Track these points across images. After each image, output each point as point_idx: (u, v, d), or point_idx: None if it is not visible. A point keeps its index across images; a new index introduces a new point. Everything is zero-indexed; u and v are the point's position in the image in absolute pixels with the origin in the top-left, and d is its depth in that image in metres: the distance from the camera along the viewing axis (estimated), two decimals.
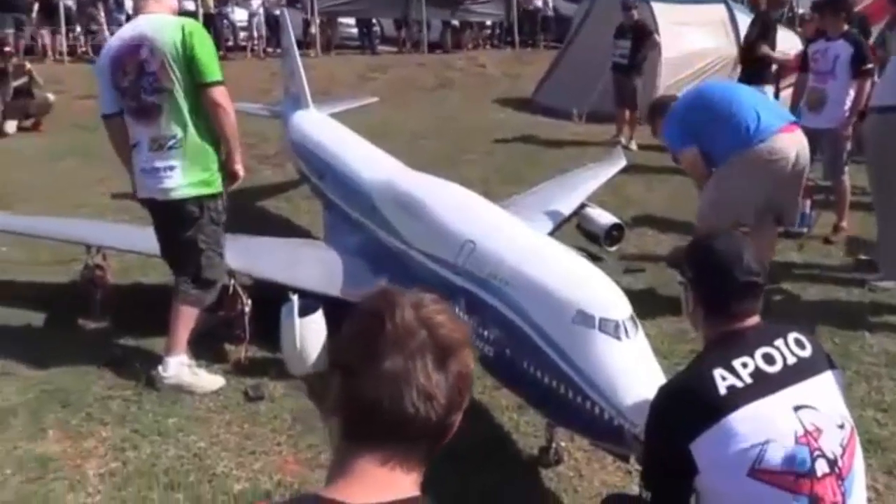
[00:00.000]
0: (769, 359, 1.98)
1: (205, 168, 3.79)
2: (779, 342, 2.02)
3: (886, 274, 5.14)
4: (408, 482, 1.19)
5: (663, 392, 2.10)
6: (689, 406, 1.96)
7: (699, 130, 4.53)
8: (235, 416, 3.61)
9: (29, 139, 9.95)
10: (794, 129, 4.55)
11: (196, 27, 3.81)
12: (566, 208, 5.46)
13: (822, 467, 1.87)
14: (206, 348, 4.07)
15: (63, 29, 15.71)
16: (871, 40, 7.58)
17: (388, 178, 4.63)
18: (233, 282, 4.13)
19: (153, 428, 3.49)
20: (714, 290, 2.11)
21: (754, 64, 7.61)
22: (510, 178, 7.73)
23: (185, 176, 3.74)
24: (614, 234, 5.44)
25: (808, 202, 6.04)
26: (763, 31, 7.65)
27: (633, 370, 2.69)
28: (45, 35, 15.74)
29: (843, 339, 4.40)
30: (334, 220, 5.19)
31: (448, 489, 2.78)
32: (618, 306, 2.85)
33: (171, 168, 3.72)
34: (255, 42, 17.42)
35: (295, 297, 3.93)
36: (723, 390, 1.92)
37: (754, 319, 2.10)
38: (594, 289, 2.96)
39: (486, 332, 3.13)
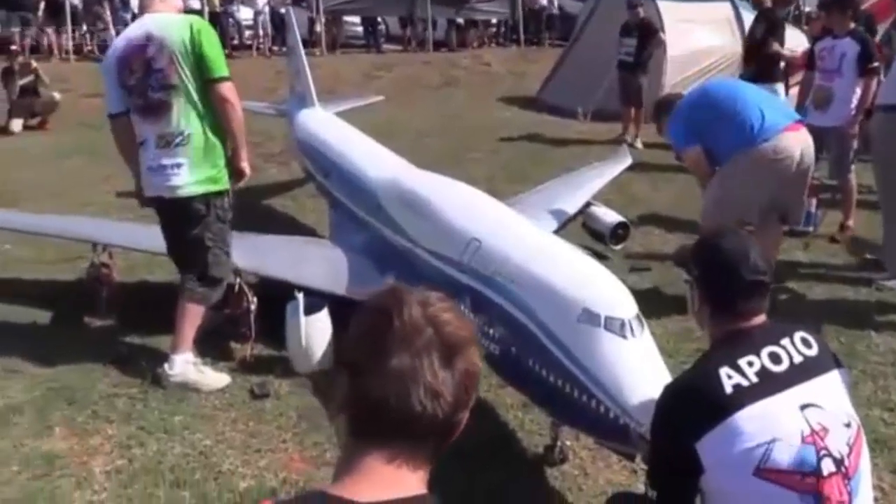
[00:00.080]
0: (775, 358, 1.97)
1: (212, 165, 3.80)
2: (785, 341, 2.02)
3: (892, 273, 5.12)
4: (414, 480, 1.19)
5: (669, 391, 2.10)
6: (694, 405, 1.95)
7: (703, 129, 4.52)
8: (241, 413, 3.62)
9: (35, 138, 9.98)
10: (798, 127, 4.53)
11: (204, 24, 3.85)
12: (571, 207, 5.45)
13: (828, 466, 1.87)
14: (211, 346, 4.07)
15: (69, 28, 15.75)
16: (877, 38, 7.56)
17: (393, 176, 4.64)
18: (238, 280, 4.14)
19: (159, 425, 3.50)
20: (720, 288, 2.11)
21: (764, 62, 7.57)
22: (515, 177, 7.73)
23: (192, 173, 3.75)
24: (620, 232, 5.44)
25: (814, 201, 6.03)
26: (771, 28, 7.62)
27: (638, 369, 2.69)
28: (51, 34, 15.78)
29: (849, 339, 4.39)
30: (340, 218, 5.20)
31: (454, 487, 2.78)
32: (623, 305, 2.85)
33: (179, 165, 3.73)
34: (261, 41, 17.46)
35: (300, 296, 3.93)
36: (729, 389, 1.91)
37: (760, 318, 2.09)
38: (600, 287, 2.95)
39: (491, 331, 3.13)
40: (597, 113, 10.88)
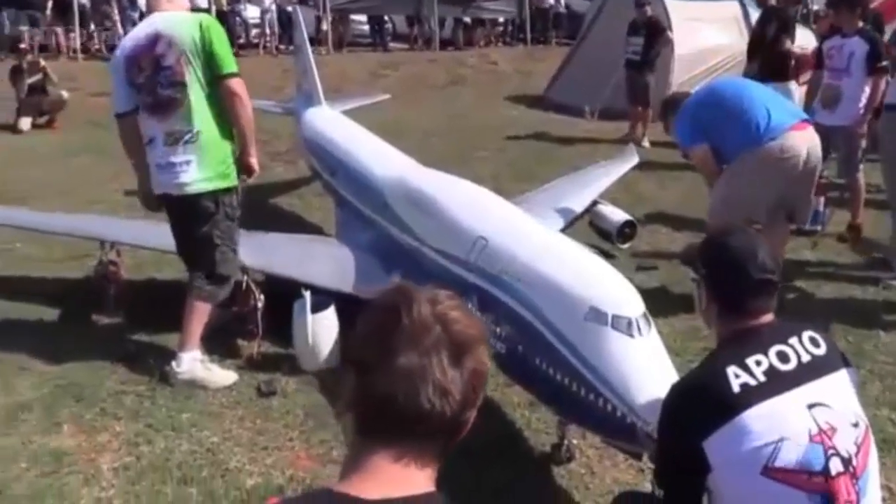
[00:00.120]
0: (783, 357, 1.97)
1: (220, 162, 3.81)
2: (793, 340, 2.01)
3: None
4: (422, 478, 1.19)
5: (676, 390, 2.09)
6: (702, 404, 1.95)
7: (710, 127, 4.51)
8: (248, 411, 3.63)
9: (43, 136, 10.02)
10: (805, 126, 4.52)
11: (213, 21, 3.88)
12: (578, 205, 5.45)
13: (836, 466, 1.86)
14: (219, 344, 4.09)
15: (77, 27, 15.80)
16: (885, 38, 7.50)
17: (400, 174, 4.64)
18: (246, 278, 4.15)
19: (166, 423, 3.51)
20: (728, 287, 2.10)
21: (777, 60, 7.52)
22: (522, 176, 7.72)
23: (201, 170, 3.76)
24: (627, 231, 5.43)
25: (822, 200, 6.00)
26: (783, 26, 7.58)
27: (645, 368, 2.69)
28: (60, 33, 15.84)
29: (857, 338, 4.38)
30: (346, 216, 5.21)
31: (461, 485, 2.78)
32: (630, 303, 2.84)
33: (188, 162, 3.74)
34: (268, 39, 17.49)
35: (307, 294, 3.95)
36: (736, 388, 1.91)
37: (768, 317, 2.09)
38: (607, 286, 2.95)
39: (498, 329, 3.13)
40: (604, 112, 10.86)
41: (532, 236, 3.49)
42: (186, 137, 3.73)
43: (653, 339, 2.82)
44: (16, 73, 10.32)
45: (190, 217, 3.85)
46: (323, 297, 4.02)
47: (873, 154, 6.01)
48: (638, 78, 9.71)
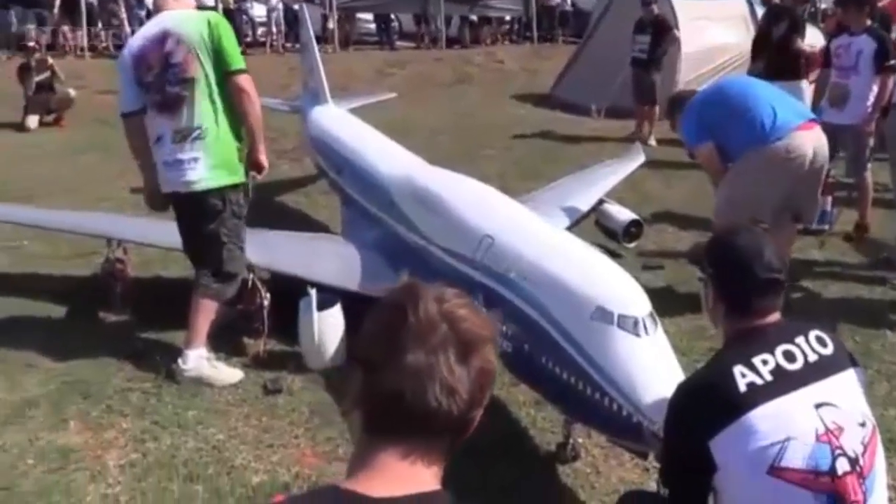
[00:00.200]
0: (790, 356, 1.96)
1: (228, 159, 3.82)
2: (800, 339, 2.00)
3: None
4: (428, 476, 1.19)
5: (682, 389, 2.09)
6: (708, 403, 1.94)
7: (715, 126, 4.49)
8: (254, 408, 3.64)
9: (50, 134, 10.05)
10: (811, 126, 4.49)
11: (220, 19, 3.91)
12: (584, 204, 5.44)
13: (842, 466, 1.85)
14: (225, 341, 4.09)
15: (84, 25, 15.85)
16: (894, 37, 7.46)
17: (406, 173, 4.64)
18: (252, 275, 4.16)
19: (173, 420, 3.52)
20: (735, 286, 2.09)
21: (789, 59, 7.47)
22: (528, 174, 7.71)
23: (209, 167, 3.77)
24: (633, 230, 5.42)
25: (830, 199, 5.98)
26: (793, 25, 7.54)
27: (651, 367, 2.68)
28: (67, 31, 15.89)
29: (864, 338, 4.36)
30: (352, 214, 5.21)
31: (466, 484, 2.78)
32: (637, 303, 2.84)
33: (195, 160, 3.75)
34: (274, 37, 17.52)
35: (313, 292, 3.95)
36: (743, 387, 1.90)
37: (775, 316, 2.08)
38: (613, 285, 2.95)
39: (504, 328, 3.12)
40: (610, 110, 10.84)
41: (538, 235, 3.49)
42: (195, 134, 3.74)
43: (659, 338, 2.81)
44: (24, 71, 10.36)
45: (197, 215, 3.86)
46: (329, 295, 4.02)
47: (881, 153, 5.98)
48: (644, 76, 9.68)
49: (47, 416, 3.55)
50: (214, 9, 14.44)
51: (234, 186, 3.87)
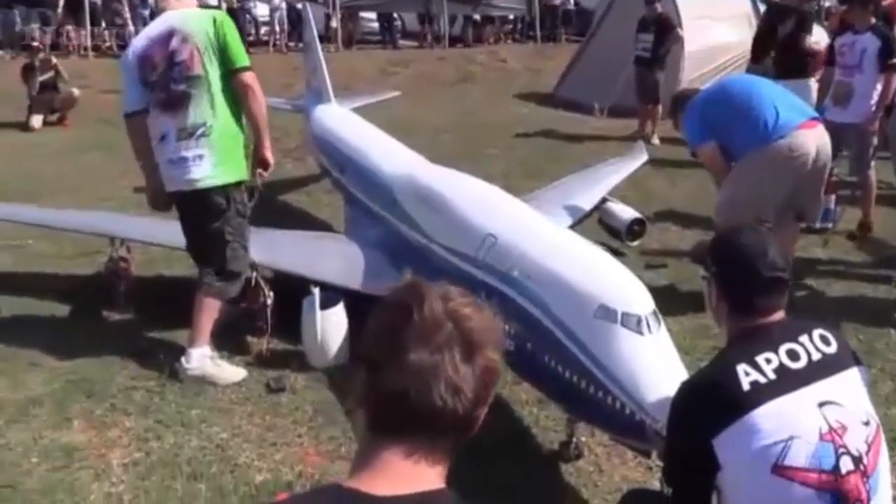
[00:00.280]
0: (793, 355, 1.96)
1: (232, 156, 3.84)
2: (803, 338, 2.00)
3: None
4: (433, 475, 1.19)
5: (686, 387, 2.09)
6: (711, 401, 1.94)
7: (718, 125, 4.48)
8: (257, 407, 3.64)
9: (54, 133, 10.07)
10: (814, 124, 4.48)
11: (225, 17, 3.94)
12: (587, 203, 5.44)
13: (846, 464, 1.85)
14: (228, 340, 4.10)
15: (87, 25, 15.86)
16: None
17: (409, 172, 4.64)
18: (255, 274, 4.16)
19: (176, 419, 3.52)
20: (738, 285, 2.09)
21: (795, 58, 7.43)
22: (531, 173, 7.71)
23: (213, 165, 3.78)
24: (636, 228, 5.42)
25: (833, 198, 5.97)
26: (801, 23, 7.51)
27: (655, 365, 2.68)
28: (70, 31, 15.91)
29: (867, 336, 4.35)
30: (355, 213, 5.21)
31: (469, 483, 2.78)
32: (640, 301, 2.84)
33: (200, 157, 3.76)
34: (277, 37, 17.52)
35: (316, 290, 3.95)
36: (746, 386, 1.90)
37: (779, 315, 2.08)
38: (616, 283, 2.95)
39: (507, 327, 3.12)
40: (613, 109, 10.83)
41: (541, 234, 3.49)
42: (200, 131, 3.75)
43: (662, 336, 2.81)
44: (28, 71, 10.37)
45: (201, 213, 3.86)
46: (332, 294, 4.03)
47: (884, 151, 5.97)
48: (648, 75, 9.67)
49: (51, 414, 3.56)
50: (218, 7, 14.49)
51: (238, 185, 3.88)
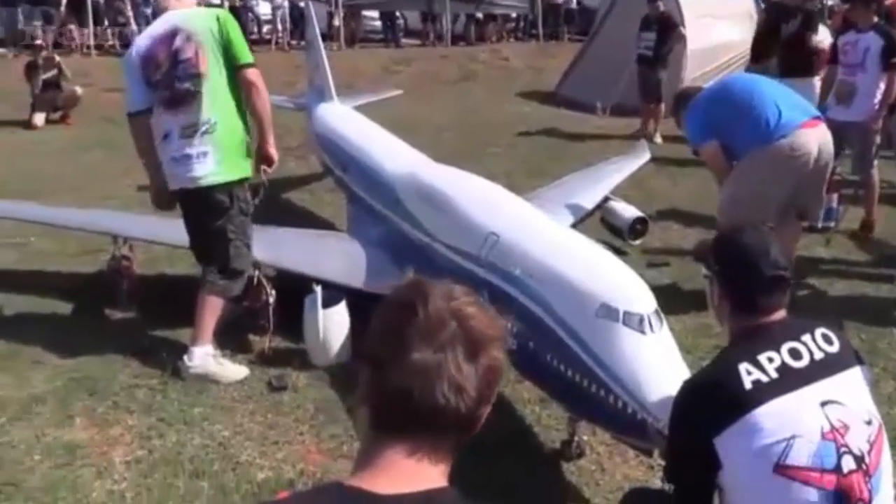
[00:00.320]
0: (795, 354, 1.96)
1: (236, 153, 3.85)
2: (805, 337, 2.00)
3: None
4: (435, 473, 1.19)
5: (688, 386, 2.09)
6: (713, 400, 1.94)
7: (720, 124, 4.47)
8: (259, 405, 3.64)
9: (57, 131, 10.08)
10: (817, 123, 4.47)
11: (228, 15, 3.96)
12: (590, 202, 5.44)
13: (848, 464, 1.85)
14: (230, 338, 4.10)
15: (90, 23, 15.86)
16: None
17: (411, 170, 4.64)
18: (257, 273, 4.16)
19: (178, 417, 3.53)
20: (740, 284, 2.09)
21: (801, 56, 7.41)
22: (534, 172, 7.71)
23: (217, 162, 3.79)
24: (638, 227, 5.42)
25: (836, 197, 5.96)
26: (807, 21, 7.50)
27: (657, 364, 2.68)
28: (74, 29, 15.92)
29: (870, 336, 4.35)
30: (358, 212, 5.21)
31: (471, 481, 2.78)
32: (642, 300, 2.84)
33: (204, 154, 3.77)
34: (280, 35, 17.51)
35: (318, 289, 3.96)
36: (748, 385, 1.90)
37: (781, 314, 2.08)
38: (618, 282, 2.95)
39: (509, 325, 3.13)
40: (616, 108, 10.83)
41: (543, 232, 3.49)
42: (204, 128, 3.76)
43: (664, 335, 2.81)
44: (31, 69, 10.39)
45: (204, 211, 3.87)
46: (334, 293, 4.03)
47: (888, 150, 5.96)
48: (650, 74, 9.66)
49: (54, 412, 3.57)
50: (220, 6, 14.49)
51: (241, 183, 3.89)
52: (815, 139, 4.40)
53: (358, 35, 18.48)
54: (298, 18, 16.33)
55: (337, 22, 17.77)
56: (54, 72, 10.41)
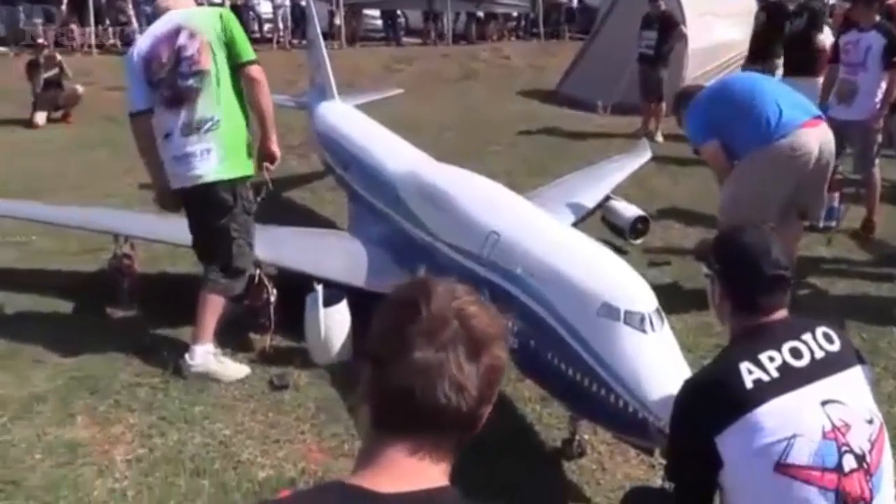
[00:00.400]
0: (796, 353, 1.96)
1: (238, 151, 3.86)
2: (806, 336, 2.00)
3: None
4: (437, 472, 1.19)
5: (689, 385, 2.09)
6: (714, 399, 1.94)
7: (720, 124, 4.47)
8: (260, 404, 3.65)
9: (58, 130, 10.08)
10: (817, 123, 4.46)
11: (230, 14, 3.98)
12: (591, 201, 5.43)
13: (849, 463, 1.85)
14: (231, 337, 4.10)
15: (92, 22, 15.86)
16: None
17: (412, 169, 4.64)
18: (258, 271, 4.17)
19: (180, 415, 3.53)
20: (741, 283, 2.09)
21: (807, 56, 7.39)
22: (535, 170, 7.70)
23: (220, 159, 3.79)
24: (639, 226, 5.41)
25: (837, 196, 5.96)
26: (813, 20, 7.48)
27: (658, 363, 2.68)
28: (75, 28, 15.91)
29: (871, 335, 4.35)
30: (359, 210, 5.21)
31: (472, 480, 2.78)
32: (643, 299, 2.84)
33: (207, 151, 3.77)
34: (281, 34, 17.51)
35: (320, 287, 3.96)
36: (749, 384, 1.90)
37: (782, 313, 2.08)
38: (619, 281, 2.95)
39: (510, 324, 3.12)
40: (617, 106, 10.82)
41: (545, 231, 3.49)
42: (206, 126, 3.77)
43: (665, 334, 2.81)
44: (32, 68, 10.39)
45: (207, 209, 3.87)
46: (335, 291, 4.03)
47: (889, 149, 5.96)
48: (651, 72, 9.65)
49: (55, 410, 3.57)
50: (221, 4, 14.49)
51: (245, 181, 3.89)
52: (816, 138, 4.40)
53: (359, 34, 18.48)
54: (300, 17, 16.35)
55: (338, 20, 17.75)
56: (55, 70, 10.41)
